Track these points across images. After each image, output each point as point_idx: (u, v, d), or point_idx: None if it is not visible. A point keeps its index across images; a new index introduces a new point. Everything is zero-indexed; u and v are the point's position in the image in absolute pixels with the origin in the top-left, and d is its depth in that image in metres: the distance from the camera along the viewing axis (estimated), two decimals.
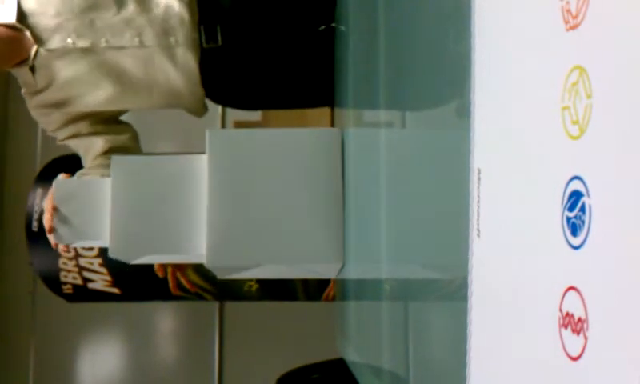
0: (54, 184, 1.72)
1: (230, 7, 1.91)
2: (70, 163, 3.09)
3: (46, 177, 3.09)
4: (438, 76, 0.95)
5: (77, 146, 1.98)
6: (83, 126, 1.94)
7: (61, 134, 1.97)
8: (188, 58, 1.80)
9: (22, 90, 1.89)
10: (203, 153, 1.59)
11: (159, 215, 1.58)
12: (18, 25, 1.73)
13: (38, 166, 3.50)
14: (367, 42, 1.57)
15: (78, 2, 1.77)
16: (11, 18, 1.71)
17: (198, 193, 1.56)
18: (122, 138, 1.94)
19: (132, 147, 1.96)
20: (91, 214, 1.64)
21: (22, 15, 1.73)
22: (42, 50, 1.77)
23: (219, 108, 3.75)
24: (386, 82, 1.36)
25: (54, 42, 1.77)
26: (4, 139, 4.18)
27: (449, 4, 0.90)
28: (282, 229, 1.56)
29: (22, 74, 1.84)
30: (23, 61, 1.80)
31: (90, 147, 1.92)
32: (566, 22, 0.53)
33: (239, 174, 1.56)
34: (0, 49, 1.74)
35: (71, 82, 1.83)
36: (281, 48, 1.98)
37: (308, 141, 1.59)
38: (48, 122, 1.94)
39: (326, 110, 3.35)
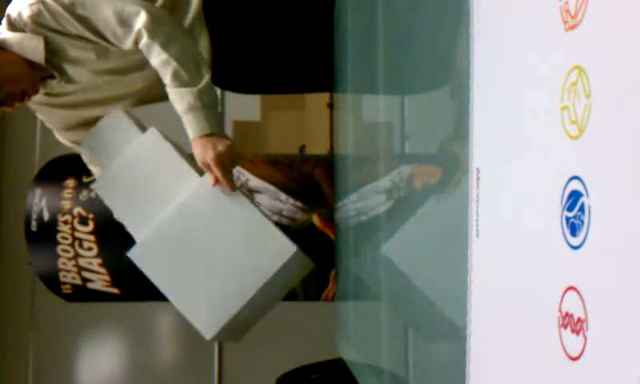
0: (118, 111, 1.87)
1: (233, 19, 1.91)
2: (70, 163, 3.09)
3: (44, 177, 3.09)
4: (437, 76, 0.95)
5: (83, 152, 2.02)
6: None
7: (69, 136, 1.98)
8: None
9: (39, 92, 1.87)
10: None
11: (142, 190, 1.81)
12: (45, 65, 1.72)
13: (37, 166, 3.49)
14: (365, 37, 1.57)
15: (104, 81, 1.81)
16: (39, 58, 1.70)
17: (173, 200, 1.78)
18: None
19: None
20: (115, 148, 1.84)
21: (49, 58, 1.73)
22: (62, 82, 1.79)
23: (218, 108, 3.74)
24: (385, 83, 1.36)
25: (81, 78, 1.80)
26: (3, 139, 4.17)
27: (448, 5, 0.90)
28: (192, 278, 1.78)
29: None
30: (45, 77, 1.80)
31: None
32: (565, 22, 0.53)
33: (205, 215, 1.77)
34: (26, 86, 1.74)
35: (96, 88, 1.84)
36: (283, 38, 1.99)
37: (267, 238, 1.75)
38: (54, 120, 1.95)
39: (325, 118, 3.34)
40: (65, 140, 2.02)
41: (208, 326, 1.77)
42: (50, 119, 1.96)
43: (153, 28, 1.64)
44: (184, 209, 1.76)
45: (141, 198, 1.80)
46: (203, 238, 1.78)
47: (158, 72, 1.69)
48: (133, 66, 1.80)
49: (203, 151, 1.69)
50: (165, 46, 1.65)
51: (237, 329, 1.85)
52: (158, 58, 1.66)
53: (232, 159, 1.73)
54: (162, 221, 1.77)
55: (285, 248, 1.75)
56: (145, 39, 1.65)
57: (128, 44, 1.68)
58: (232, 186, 1.75)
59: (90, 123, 1.96)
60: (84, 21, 1.67)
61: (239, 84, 2.12)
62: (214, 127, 1.69)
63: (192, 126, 1.68)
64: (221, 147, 1.69)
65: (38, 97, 1.86)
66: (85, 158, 2.05)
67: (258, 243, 1.76)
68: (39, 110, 1.92)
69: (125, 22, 1.65)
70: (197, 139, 1.69)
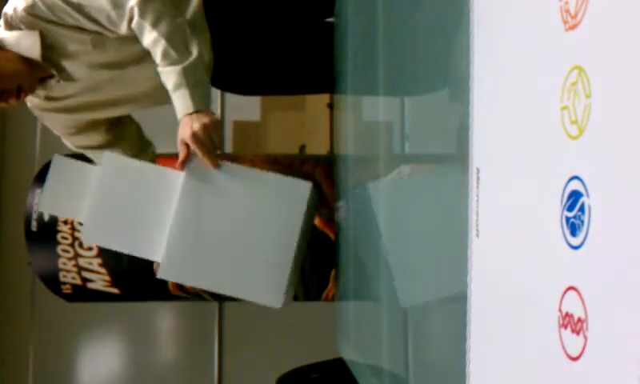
0: (53, 158, 1.84)
1: (233, 21, 1.91)
2: None
3: (44, 177, 3.08)
4: (437, 77, 0.95)
5: (95, 156, 2.01)
6: (99, 135, 1.97)
7: (76, 141, 1.97)
8: None
9: (31, 97, 1.85)
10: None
11: (133, 214, 1.72)
12: (42, 62, 1.71)
13: (37, 166, 3.50)
14: (365, 38, 1.57)
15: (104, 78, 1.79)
16: (36, 54, 1.69)
17: (170, 206, 1.70)
18: (135, 141, 2.03)
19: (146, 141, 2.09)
20: (78, 194, 1.77)
21: (46, 51, 1.71)
22: (63, 82, 1.77)
23: (218, 109, 3.75)
24: (385, 84, 1.36)
25: (80, 75, 1.78)
26: (3, 139, 4.17)
27: (448, 4, 0.89)
28: (232, 262, 1.70)
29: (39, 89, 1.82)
30: (43, 78, 1.78)
31: None
32: (565, 22, 0.53)
33: (208, 202, 1.70)
34: (23, 82, 1.73)
35: (97, 87, 1.82)
36: (283, 40, 1.99)
37: (279, 187, 1.70)
38: (59, 126, 1.94)
39: (325, 118, 3.34)
40: (72, 145, 2.02)
41: (273, 296, 1.70)
42: (54, 125, 1.95)
43: (143, 6, 1.62)
44: (185, 206, 1.70)
45: (136, 223, 1.72)
46: (220, 222, 1.70)
47: (150, 53, 1.66)
48: (131, 60, 1.78)
49: (182, 130, 1.63)
50: (154, 24, 1.62)
51: (291, 285, 1.77)
52: (148, 37, 1.63)
53: (212, 136, 1.64)
54: (172, 229, 1.69)
55: (301, 187, 1.70)
56: (136, 18, 1.62)
57: (123, 27, 1.66)
58: (213, 163, 1.66)
59: (95, 126, 1.95)
60: (78, 8, 1.67)
61: (239, 85, 2.12)
62: (200, 105, 1.62)
63: (177, 106, 1.63)
64: (196, 125, 1.60)
65: (40, 102, 1.85)
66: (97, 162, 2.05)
67: (273, 196, 1.70)
68: (43, 116, 1.92)
69: (118, 4, 1.64)
70: (181, 119, 1.63)
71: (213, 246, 1.70)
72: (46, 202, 1.84)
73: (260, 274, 1.70)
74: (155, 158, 2.08)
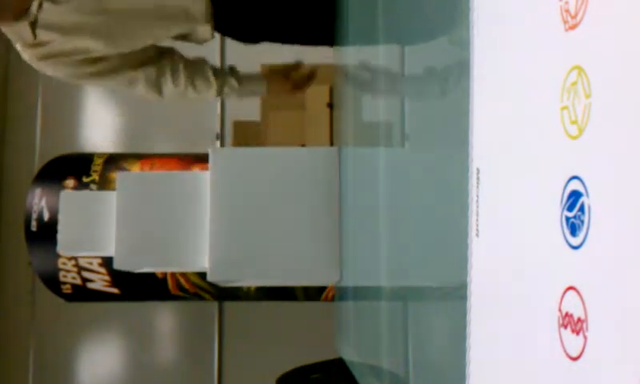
0: (60, 196, 1.76)
1: None
2: (70, 163, 3.09)
3: (44, 177, 3.09)
4: (437, 76, 0.95)
5: (115, 81, 1.95)
6: (113, 61, 1.89)
7: (89, 70, 1.89)
8: None
9: (18, 44, 1.78)
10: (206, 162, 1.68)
11: (163, 229, 1.66)
12: None
13: (37, 166, 3.50)
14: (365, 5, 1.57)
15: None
16: None
17: (201, 208, 1.65)
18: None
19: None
20: (96, 225, 1.70)
21: None
22: (45, 4, 1.69)
23: (218, 108, 3.75)
24: (385, 84, 1.36)
25: None
26: (3, 139, 4.18)
27: (447, 5, 0.90)
28: (281, 246, 1.64)
29: (18, 28, 1.74)
30: (22, 13, 1.70)
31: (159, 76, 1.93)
32: (565, 22, 0.53)
33: (240, 192, 1.64)
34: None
35: (79, 29, 1.74)
36: None
37: (307, 160, 1.67)
38: (57, 69, 1.87)
39: (325, 118, 3.34)
40: (85, 81, 1.97)
41: (329, 272, 1.65)
42: (60, 68, 1.87)
43: (145, 92, 1.65)
44: (218, 203, 1.62)
45: (169, 237, 1.64)
46: (258, 210, 1.64)
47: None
48: None
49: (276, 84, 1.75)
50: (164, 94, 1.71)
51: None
52: (178, 94, 1.73)
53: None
54: (212, 230, 1.62)
55: (328, 154, 1.67)
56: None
57: None
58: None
59: (98, 63, 1.88)
60: None
61: (239, 31, 2.08)
62: (261, 87, 1.75)
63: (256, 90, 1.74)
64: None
65: (37, 49, 1.79)
66: (139, 90, 1.98)
67: (304, 170, 1.66)
68: (46, 65, 1.85)
69: None
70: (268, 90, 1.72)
71: (256, 237, 1.64)
72: (63, 243, 1.74)
73: (310, 253, 1.64)
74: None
